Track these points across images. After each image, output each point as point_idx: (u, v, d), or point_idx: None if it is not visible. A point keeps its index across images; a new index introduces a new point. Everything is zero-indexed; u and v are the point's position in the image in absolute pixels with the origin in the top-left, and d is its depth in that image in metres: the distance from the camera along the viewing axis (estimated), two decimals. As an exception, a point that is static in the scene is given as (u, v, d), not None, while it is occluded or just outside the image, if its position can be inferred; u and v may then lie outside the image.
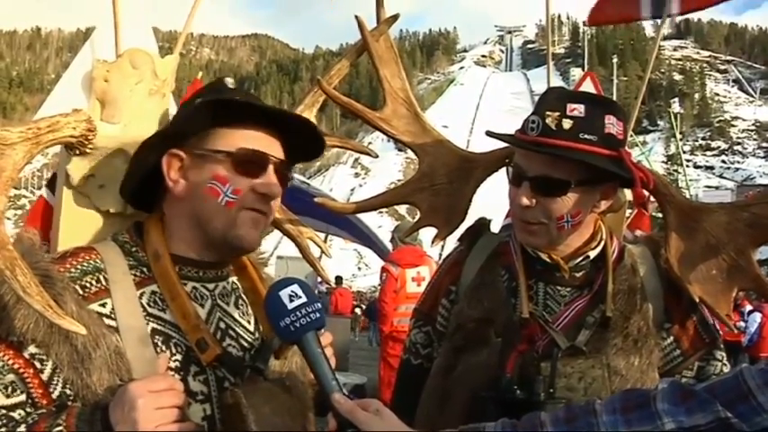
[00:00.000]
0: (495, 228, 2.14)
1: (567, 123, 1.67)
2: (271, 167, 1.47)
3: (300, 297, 1.29)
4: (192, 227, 1.47)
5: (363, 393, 9.93)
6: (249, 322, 1.56)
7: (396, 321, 7.02)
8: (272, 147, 1.50)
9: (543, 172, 1.68)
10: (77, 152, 1.59)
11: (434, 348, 1.97)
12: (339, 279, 26.08)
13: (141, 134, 1.62)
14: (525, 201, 1.70)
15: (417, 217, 2.05)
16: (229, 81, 1.54)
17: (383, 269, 7.45)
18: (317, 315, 1.29)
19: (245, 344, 1.51)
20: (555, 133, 1.66)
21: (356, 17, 2.01)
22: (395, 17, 2.04)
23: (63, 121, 1.47)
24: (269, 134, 1.50)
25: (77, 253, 1.43)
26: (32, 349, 1.30)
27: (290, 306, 1.27)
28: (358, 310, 28.64)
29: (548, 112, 1.68)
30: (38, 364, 1.30)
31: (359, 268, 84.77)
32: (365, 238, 10.44)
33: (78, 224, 1.65)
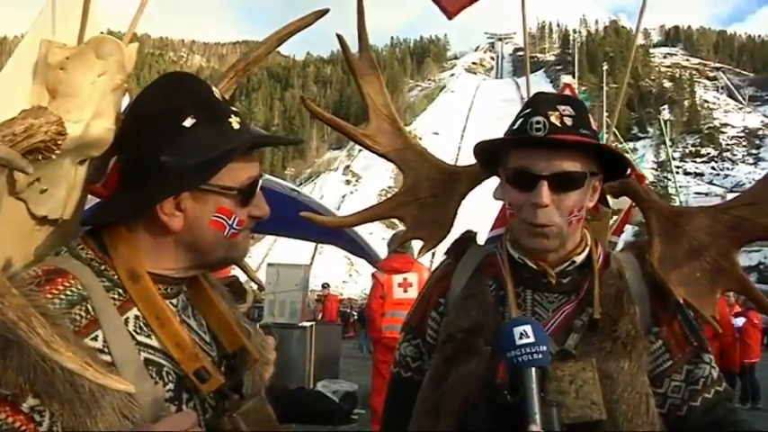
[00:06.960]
0: (480, 240, 2.14)
1: (568, 120, 1.69)
2: (258, 187, 1.44)
3: (529, 337, 1.46)
4: (187, 254, 1.39)
5: (355, 400, 9.90)
6: (205, 333, 1.48)
7: (384, 327, 7.08)
8: (257, 166, 1.45)
9: (561, 168, 1.68)
10: (41, 157, 1.31)
11: (425, 361, 1.95)
12: (325, 286, 26.05)
13: (100, 134, 1.42)
14: (546, 200, 1.67)
15: (404, 230, 2.08)
16: (216, 92, 1.41)
17: (372, 276, 7.58)
18: (540, 356, 1.45)
19: (208, 357, 1.43)
20: (562, 129, 1.67)
21: (338, 36, 2.06)
22: (324, 11, 1.91)
23: (36, 123, 1.26)
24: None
25: (53, 279, 1.24)
26: (31, 401, 1.14)
27: (518, 343, 1.46)
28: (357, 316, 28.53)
29: (549, 112, 1.69)
30: (37, 417, 1.15)
31: (350, 275, 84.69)
32: (355, 245, 10.47)
33: (6, 231, 1.38)
